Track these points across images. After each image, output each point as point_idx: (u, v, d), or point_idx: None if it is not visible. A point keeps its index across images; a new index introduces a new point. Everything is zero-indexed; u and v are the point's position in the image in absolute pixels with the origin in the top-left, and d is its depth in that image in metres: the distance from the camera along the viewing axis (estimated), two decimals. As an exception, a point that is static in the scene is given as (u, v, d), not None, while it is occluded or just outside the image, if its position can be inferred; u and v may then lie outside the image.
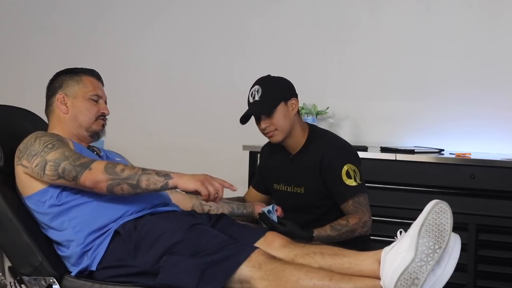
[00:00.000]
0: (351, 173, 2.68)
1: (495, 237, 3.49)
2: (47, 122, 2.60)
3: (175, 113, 4.61)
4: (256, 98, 2.71)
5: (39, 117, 2.71)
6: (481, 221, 3.47)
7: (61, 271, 2.31)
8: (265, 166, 2.93)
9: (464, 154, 3.61)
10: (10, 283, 2.42)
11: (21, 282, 2.35)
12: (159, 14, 4.66)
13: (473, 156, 3.58)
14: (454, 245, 2.07)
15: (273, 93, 2.71)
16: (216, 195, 2.20)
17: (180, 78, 4.62)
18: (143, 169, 2.23)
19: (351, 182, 2.67)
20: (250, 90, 2.76)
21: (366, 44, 4.15)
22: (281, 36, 4.36)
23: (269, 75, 2.81)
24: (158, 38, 4.67)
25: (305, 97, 4.13)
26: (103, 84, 2.62)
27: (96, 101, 2.56)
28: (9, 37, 5.00)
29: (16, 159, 2.36)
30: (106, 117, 2.58)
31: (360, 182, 2.70)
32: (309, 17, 4.29)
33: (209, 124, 4.51)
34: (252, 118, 2.78)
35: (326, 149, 2.72)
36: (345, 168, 2.68)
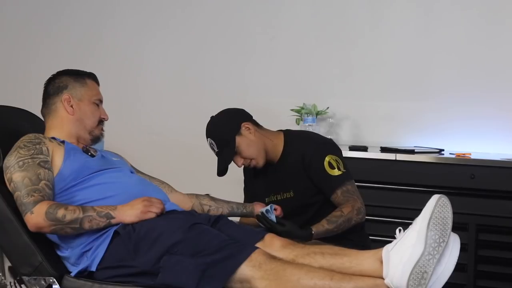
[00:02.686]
0: (334, 163, 2.70)
1: (495, 237, 3.49)
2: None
3: (175, 113, 4.61)
4: (216, 149, 2.77)
5: (38, 117, 2.71)
6: (481, 221, 3.47)
7: (61, 271, 2.31)
8: (254, 186, 2.94)
9: (464, 154, 3.61)
10: (10, 283, 2.42)
11: (21, 282, 2.35)
12: (159, 15, 4.66)
13: (473, 156, 3.57)
14: (454, 244, 2.07)
15: (223, 137, 2.74)
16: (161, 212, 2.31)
17: (180, 78, 4.62)
18: (84, 210, 2.24)
19: (335, 172, 2.69)
20: (208, 143, 2.80)
21: (366, 44, 4.15)
22: (281, 36, 4.36)
23: (211, 119, 2.82)
24: (158, 38, 4.67)
25: (305, 97, 4.15)
26: None
27: (98, 105, 2.60)
28: (14, 39, 5.01)
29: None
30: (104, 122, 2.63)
31: (344, 170, 2.71)
32: (309, 17, 4.29)
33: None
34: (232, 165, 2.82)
35: (304, 147, 2.75)
36: (327, 159, 2.70)
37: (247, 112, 2.85)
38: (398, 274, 2.02)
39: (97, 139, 2.60)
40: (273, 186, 2.82)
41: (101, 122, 2.61)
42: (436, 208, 2.05)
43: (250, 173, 2.94)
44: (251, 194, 2.95)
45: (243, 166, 2.82)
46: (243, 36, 4.46)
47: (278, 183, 2.80)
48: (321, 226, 2.57)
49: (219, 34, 4.51)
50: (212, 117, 2.83)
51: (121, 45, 4.75)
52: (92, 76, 2.63)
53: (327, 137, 3.02)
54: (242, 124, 2.75)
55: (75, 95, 2.55)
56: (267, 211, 2.58)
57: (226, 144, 2.73)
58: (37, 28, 4.95)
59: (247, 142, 2.74)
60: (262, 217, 2.57)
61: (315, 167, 2.71)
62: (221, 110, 2.85)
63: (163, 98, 4.65)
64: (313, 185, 2.74)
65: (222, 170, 2.79)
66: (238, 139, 2.73)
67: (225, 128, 2.75)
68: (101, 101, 2.62)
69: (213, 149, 2.79)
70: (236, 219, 2.81)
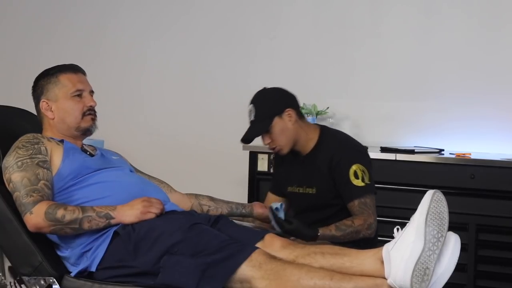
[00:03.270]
0: (359, 173, 2.68)
1: (495, 237, 3.50)
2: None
3: (175, 113, 4.61)
4: (252, 118, 2.77)
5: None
6: (481, 221, 3.47)
7: (61, 271, 2.31)
8: (279, 171, 2.95)
9: (464, 154, 3.61)
10: (10, 283, 2.42)
11: (21, 282, 2.35)
12: (161, 16, 4.66)
13: (473, 156, 3.58)
14: (455, 245, 2.07)
15: (265, 111, 2.74)
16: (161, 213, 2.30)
17: (180, 78, 4.62)
18: (83, 210, 2.24)
19: (358, 183, 2.67)
20: (248, 108, 2.80)
21: (366, 44, 4.15)
22: (281, 36, 4.36)
23: (263, 89, 2.82)
24: (160, 39, 4.67)
25: (305, 97, 4.12)
26: (85, 74, 2.59)
27: (80, 96, 2.53)
28: (16, 39, 5.02)
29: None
30: (95, 108, 2.55)
31: (368, 183, 2.69)
32: (309, 17, 4.29)
33: (209, 124, 4.51)
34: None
35: (336, 149, 2.73)
36: (353, 168, 2.68)
37: (297, 100, 2.84)
38: (400, 272, 2.01)
39: (87, 131, 2.54)
40: (298, 178, 2.82)
41: (87, 112, 2.53)
42: (432, 203, 2.05)
43: (280, 159, 2.93)
44: (276, 180, 2.96)
45: (269, 148, 2.81)
46: (243, 36, 4.46)
47: (303, 176, 2.80)
48: (328, 231, 2.57)
49: (219, 35, 4.51)
50: (264, 88, 2.82)
51: (124, 46, 4.76)
52: (65, 69, 2.55)
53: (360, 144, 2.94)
54: (287, 109, 2.75)
55: (51, 97, 2.52)
56: (276, 208, 2.58)
57: (264, 119, 2.73)
58: (39, 28, 4.95)
59: (282, 127, 2.73)
60: (271, 212, 2.57)
61: (340, 172, 2.70)
62: (276, 87, 2.84)
63: (164, 98, 4.66)
64: (335, 187, 2.74)
65: (247, 139, 2.81)
66: (276, 120, 2.73)
67: (271, 104, 2.76)
68: (81, 90, 2.52)
69: (250, 115, 2.78)
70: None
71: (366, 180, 2.69)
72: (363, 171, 2.70)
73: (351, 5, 4.18)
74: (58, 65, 2.59)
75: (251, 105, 2.77)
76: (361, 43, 4.17)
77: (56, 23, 4.92)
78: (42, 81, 2.55)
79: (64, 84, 2.53)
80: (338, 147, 2.74)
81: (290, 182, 2.85)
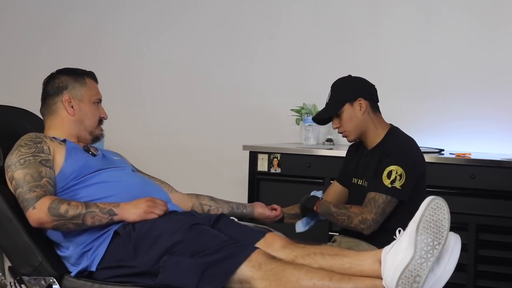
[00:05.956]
0: (393, 175, 2.65)
1: (495, 237, 3.50)
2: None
3: (175, 113, 4.62)
4: (327, 99, 2.84)
5: (38, 117, 2.71)
6: (481, 221, 3.47)
7: (61, 271, 2.32)
8: (350, 161, 2.97)
9: (464, 154, 3.61)
10: (10, 283, 2.42)
11: (21, 282, 2.35)
12: (161, 16, 4.67)
13: (473, 156, 3.58)
14: (455, 245, 2.07)
15: (338, 96, 2.81)
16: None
17: (180, 78, 4.62)
18: (87, 206, 2.24)
19: (386, 181, 2.65)
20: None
21: (366, 45, 4.16)
22: (281, 36, 4.36)
23: (347, 76, 2.86)
24: (160, 39, 4.67)
25: (305, 97, 4.15)
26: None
27: (98, 105, 2.59)
28: (15, 39, 5.03)
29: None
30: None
31: (396, 188, 2.64)
32: (309, 17, 4.29)
33: (209, 124, 4.51)
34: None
35: (390, 148, 2.73)
36: (392, 167, 2.66)
37: (376, 93, 2.85)
38: (389, 277, 2.03)
39: (97, 138, 2.60)
40: (359, 170, 2.85)
41: (100, 121, 2.61)
42: (426, 211, 2.04)
43: (353, 150, 2.97)
44: (344, 169, 2.99)
45: (338, 132, 2.87)
46: (243, 36, 4.46)
47: (362, 169, 2.83)
48: (328, 203, 2.77)
49: (219, 35, 4.51)
50: (349, 75, 2.88)
51: (123, 46, 4.76)
52: (91, 75, 2.62)
53: (411, 152, 2.83)
54: (359, 98, 2.78)
55: (75, 95, 2.54)
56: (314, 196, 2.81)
57: (336, 103, 2.80)
58: (39, 28, 4.96)
59: (351, 114, 2.77)
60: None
61: (380, 165, 2.70)
62: (360, 76, 2.87)
63: (164, 98, 4.66)
64: None
65: (318, 119, 2.93)
66: (346, 107, 2.77)
67: (346, 91, 2.81)
68: (100, 100, 2.61)
69: (327, 97, 2.86)
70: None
71: (396, 184, 2.64)
72: (399, 175, 2.65)
73: (350, 5, 4.18)
74: (81, 69, 2.62)
75: (331, 87, 2.85)
76: (361, 43, 4.17)
77: (56, 23, 4.92)
78: (66, 77, 2.57)
79: (90, 88, 2.58)
80: (393, 147, 2.73)
81: (355, 174, 2.88)
